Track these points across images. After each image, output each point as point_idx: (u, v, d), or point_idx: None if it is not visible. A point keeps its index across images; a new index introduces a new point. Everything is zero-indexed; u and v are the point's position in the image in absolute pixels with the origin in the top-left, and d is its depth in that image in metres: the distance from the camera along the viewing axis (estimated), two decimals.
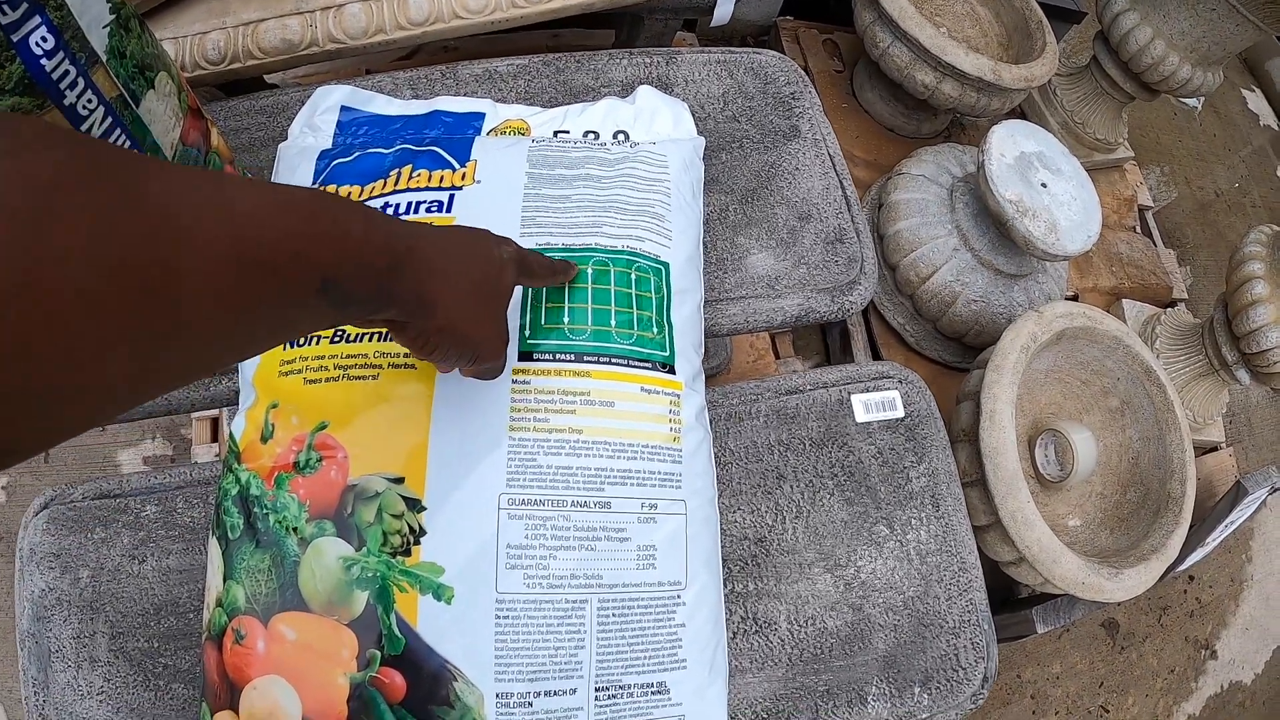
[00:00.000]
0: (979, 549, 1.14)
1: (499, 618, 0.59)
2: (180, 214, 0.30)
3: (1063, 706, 1.65)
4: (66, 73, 0.57)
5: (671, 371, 0.68)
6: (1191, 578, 1.86)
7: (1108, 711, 1.68)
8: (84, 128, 0.60)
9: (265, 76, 1.12)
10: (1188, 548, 1.37)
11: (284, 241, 0.35)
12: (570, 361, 0.65)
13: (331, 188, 0.75)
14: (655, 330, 0.69)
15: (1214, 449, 1.70)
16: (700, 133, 0.88)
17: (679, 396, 0.68)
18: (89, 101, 0.60)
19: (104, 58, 0.61)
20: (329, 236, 0.38)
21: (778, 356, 1.46)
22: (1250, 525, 1.97)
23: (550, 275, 0.63)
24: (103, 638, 0.70)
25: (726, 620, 0.73)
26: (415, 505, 0.61)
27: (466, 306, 0.50)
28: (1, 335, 0.24)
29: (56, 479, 1.44)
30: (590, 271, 0.68)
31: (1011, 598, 1.46)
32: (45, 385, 0.26)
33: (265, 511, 0.63)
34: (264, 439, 0.66)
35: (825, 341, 1.66)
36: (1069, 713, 1.65)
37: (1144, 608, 1.80)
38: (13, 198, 0.25)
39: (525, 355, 0.65)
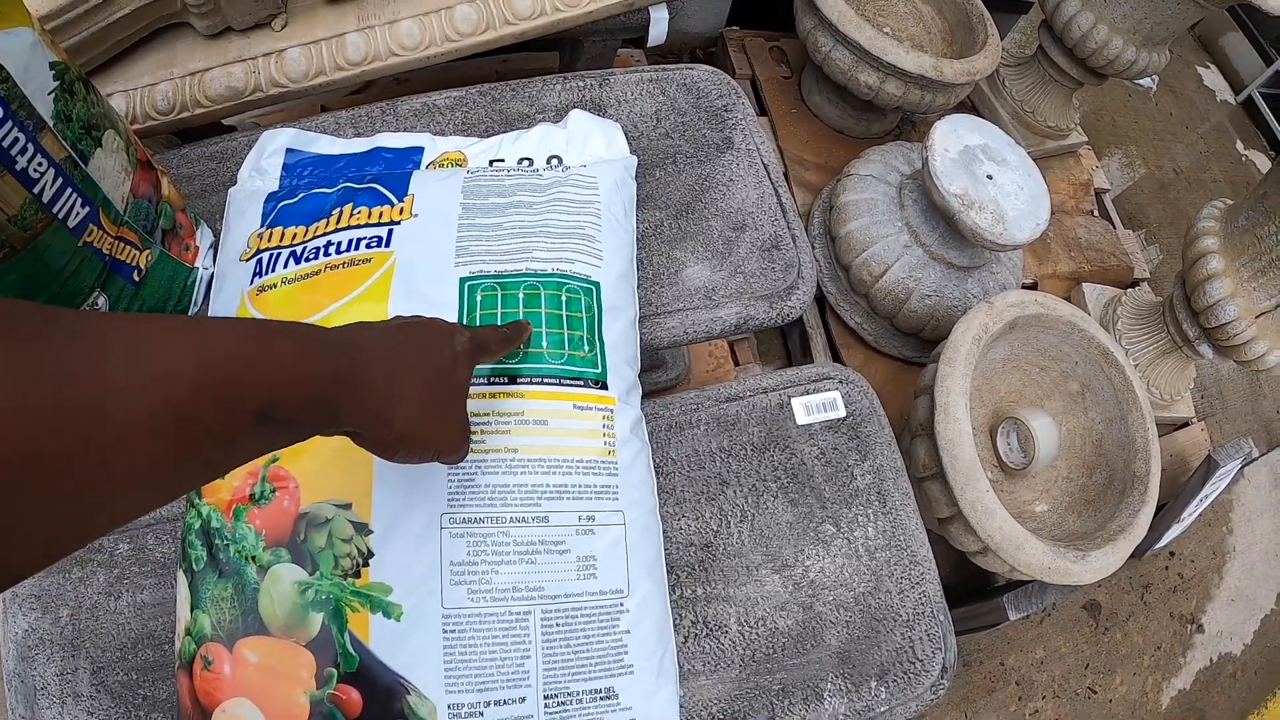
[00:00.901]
0: (946, 541, 1.17)
1: (446, 632, 0.62)
2: (100, 379, 0.30)
3: (1049, 691, 1.66)
4: (16, 140, 0.60)
5: (604, 387, 0.71)
6: (1172, 554, 1.88)
7: (1095, 692, 1.69)
8: (36, 190, 0.62)
9: (222, 119, 1.14)
10: (1163, 525, 1.39)
11: (210, 387, 0.35)
12: (504, 384, 0.68)
13: (279, 230, 0.77)
14: (586, 348, 0.71)
15: (1185, 424, 1.72)
16: (634, 151, 0.90)
17: (612, 411, 0.71)
18: (39, 165, 0.62)
19: (50, 122, 0.64)
20: (260, 369, 0.38)
21: (738, 363, 1.48)
22: (1229, 497, 1.98)
23: (506, 346, 0.64)
24: (84, 673, 0.72)
25: (676, 625, 0.75)
26: (363, 529, 0.63)
27: (422, 413, 0.51)
28: None
29: None
30: (521, 296, 0.71)
31: (986, 586, 1.48)
32: None
33: (226, 542, 0.65)
34: None
35: (786, 346, 1.68)
36: (1056, 696, 1.66)
37: (1125, 587, 1.81)
38: None
39: None
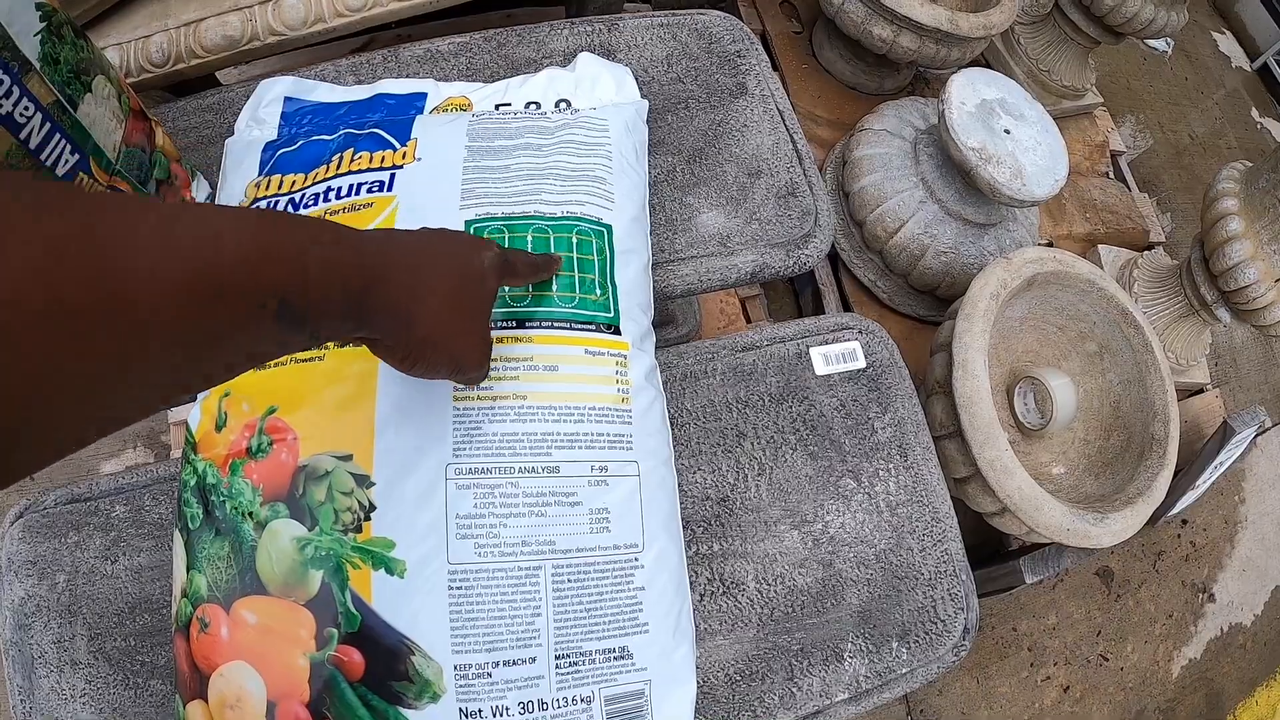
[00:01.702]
0: (962, 502, 1.15)
1: (452, 589, 0.59)
2: (125, 247, 0.30)
3: (1060, 657, 1.65)
4: (0, 82, 0.57)
5: (616, 332, 0.68)
6: (1185, 521, 1.86)
7: (1107, 660, 1.68)
8: (22, 135, 0.60)
9: (217, 75, 1.11)
10: (1178, 491, 1.37)
11: (233, 266, 0.34)
12: (512, 328, 0.65)
13: (277, 177, 0.75)
14: (598, 292, 0.68)
15: (1199, 391, 1.70)
16: (645, 96, 0.87)
17: (625, 357, 0.68)
18: (25, 109, 0.60)
19: (37, 65, 0.61)
20: (284, 258, 0.37)
21: (749, 321, 1.45)
22: (1242, 466, 1.97)
23: (534, 273, 0.63)
24: (82, 640, 0.71)
25: (692, 582, 0.72)
26: (364, 481, 0.61)
27: (446, 319, 0.49)
28: None
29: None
30: (530, 239, 0.68)
31: (1001, 550, 1.46)
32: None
33: (222, 499, 0.63)
34: (218, 428, 0.65)
35: (798, 304, 1.65)
36: (1068, 663, 1.65)
37: (1138, 554, 1.80)
38: None
39: None
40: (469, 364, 0.53)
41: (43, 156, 0.62)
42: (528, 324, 0.65)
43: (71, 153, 0.65)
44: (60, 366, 0.27)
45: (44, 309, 0.26)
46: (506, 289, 0.66)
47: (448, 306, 0.49)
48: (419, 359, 0.49)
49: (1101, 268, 1.64)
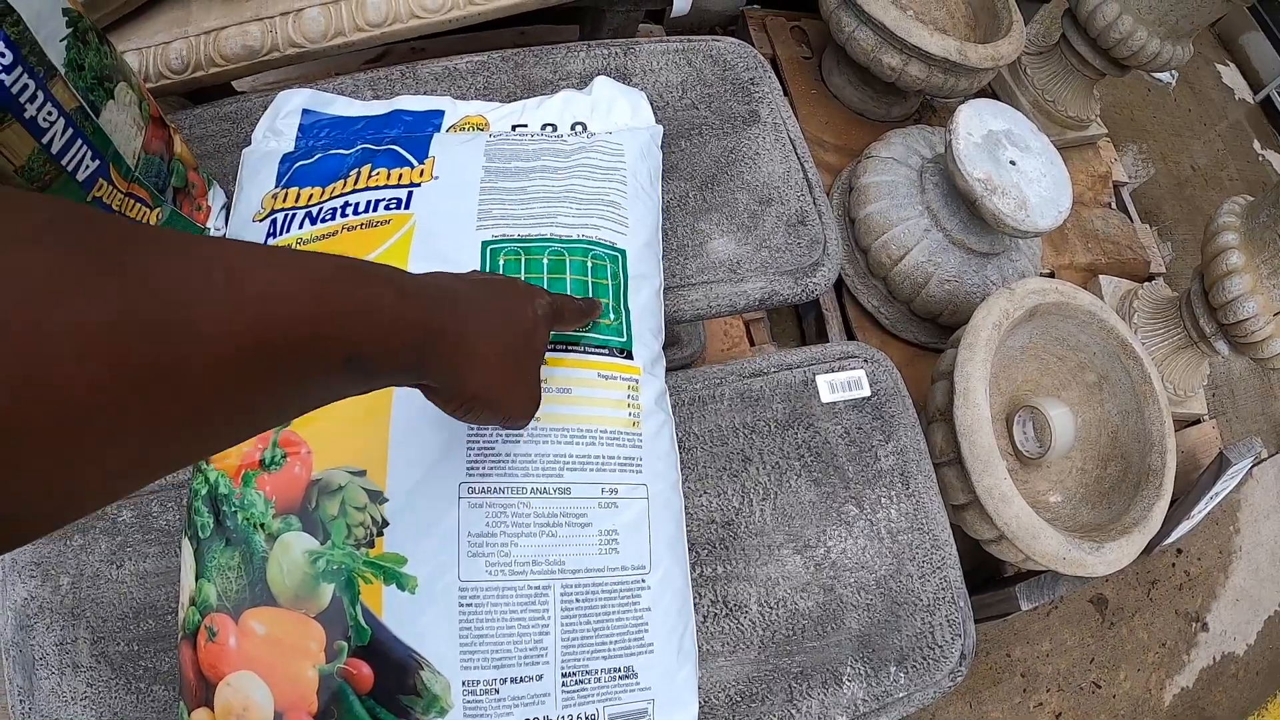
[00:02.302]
0: (960, 529, 1.16)
1: (463, 605, 0.60)
2: (188, 302, 0.29)
3: (1054, 684, 1.65)
4: (25, 87, 0.58)
5: (629, 357, 0.69)
6: (1180, 551, 1.87)
7: (1100, 687, 1.69)
8: (45, 140, 0.60)
9: (234, 84, 1.12)
10: (1173, 521, 1.38)
11: (303, 324, 0.33)
12: None
13: (294, 190, 0.75)
14: (612, 316, 0.69)
15: (1196, 421, 1.71)
16: (659, 121, 0.88)
17: (637, 381, 0.69)
18: (49, 114, 0.60)
19: (62, 70, 0.62)
20: (354, 314, 0.37)
21: (753, 343, 1.46)
22: (1237, 497, 1.97)
23: (580, 318, 0.64)
24: (84, 643, 0.71)
25: (696, 604, 0.73)
26: (377, 497, 0.61)
27: (500, 374, 0.50)
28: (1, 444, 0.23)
29: None
30: (546, 261, 0.69)
31: (997, 576, 1.47)
32: (46, 489, 0.25)
33: (233, 509, 0.63)
34: None
35: (801, 328, 1.66)
36: (1060, 690, 1.65)
37: (1132, 582, 1.80)
38: (7, 291, 0.23)
39: None
40: (518, 415, 0.54)
41: (64, 162, 0.62)
42: None
43: (92, 159, 0.65)
44: (118, 428, 0.27)
45: (106, 374, 0.25)
46: None
47: (502, 363, 0.50)
48: (470, 409, 0.50)
49: (1102, 298, 1.66)
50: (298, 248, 0.70)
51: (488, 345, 0.48)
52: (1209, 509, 1.47)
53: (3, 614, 0.72)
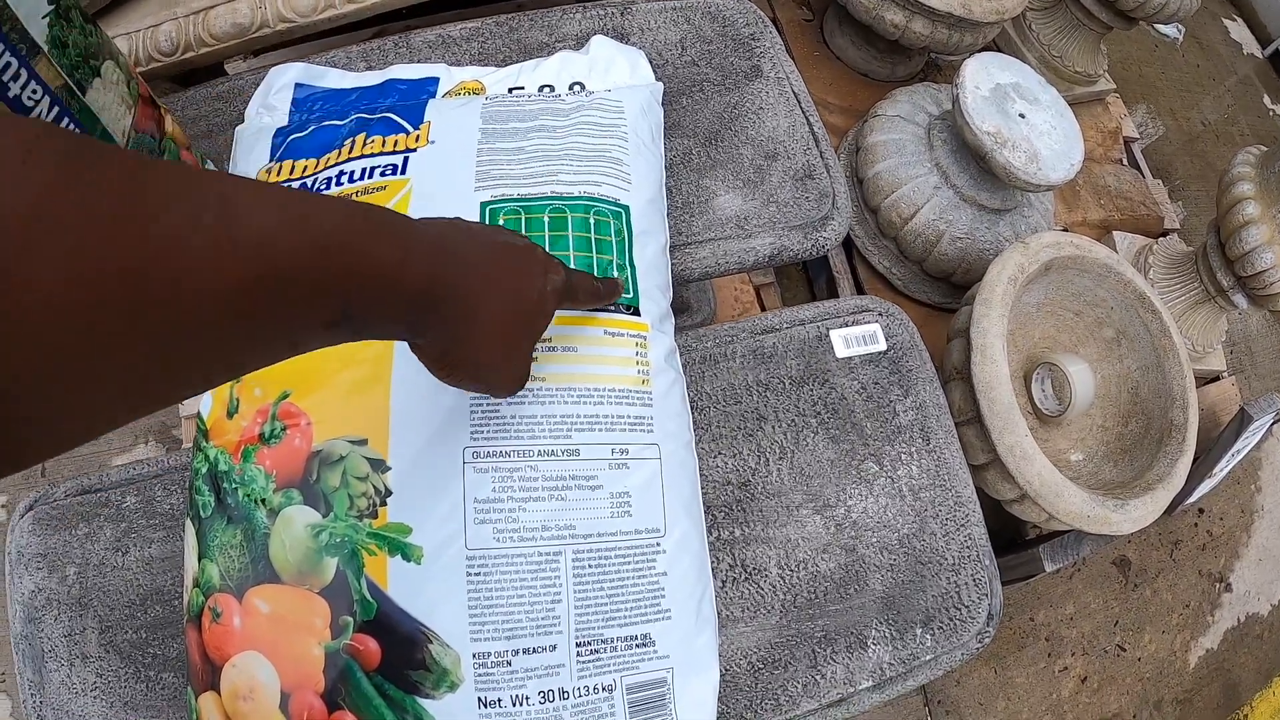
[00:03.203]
0: (980, 490, 1.14)
1: (470, 575, 0.58)
2: (185, 233, 0.28)
3: (1078, 647, 1.63)
4: (8, 65, 0.57)
5: (636, 313, 0.67)
6: (1201, 510, 1.85)
7: (1124, 650, 1.67)
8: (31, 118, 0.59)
9: (225, 66, 1.10)
10: (1195, 479, 1.36)
11: (299, 276, 0.33)
12: None
13: (289, 163, 0.74)
14: (617, 273, 0.67)
15: (1216, 378, 1.68)
16: (659, 79, 0.86)
17: (645, 338, 0.67)
18: (33, 92, 0.59)
19: (45, 48, 0.61)
20: (354, 272, 0.36)
21: (763, 308, 1.43)
22: (1258, 455, 1.95)
23: (594, 299, 0.61)
24: (93, 633, 0.70)
25: (714, 568, 0.71)
26: (380, 466, 0.59)
27: (494, 346, 0.48)
28: None
29: None
30: (547, 219, 0.67)
31: (1019, 539, 1.45)
32: (32, 412, 0.25)
33: (234, 486, 0.62)
34: (229, 414, 0.64)
35: (812, 291, 1.64)
36: (1085, 653, 1.63)
37: (1155, 543, 1.78)
38: None
39: None
40: (499, 389, 0.53)
41: None
42: None
43: (138, 151, 0.64)
44: (99, 354, 0.26)
45: (91, 297, 0.25)
46: None
47: (499, 334, 0.48)
48: (454, 371, 0.49)
49: (1117, 254, 1.63)
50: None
51: (489, 315, 0.46)
52: (1231, 467, 1.45)
53: (11, 607, 0.71)
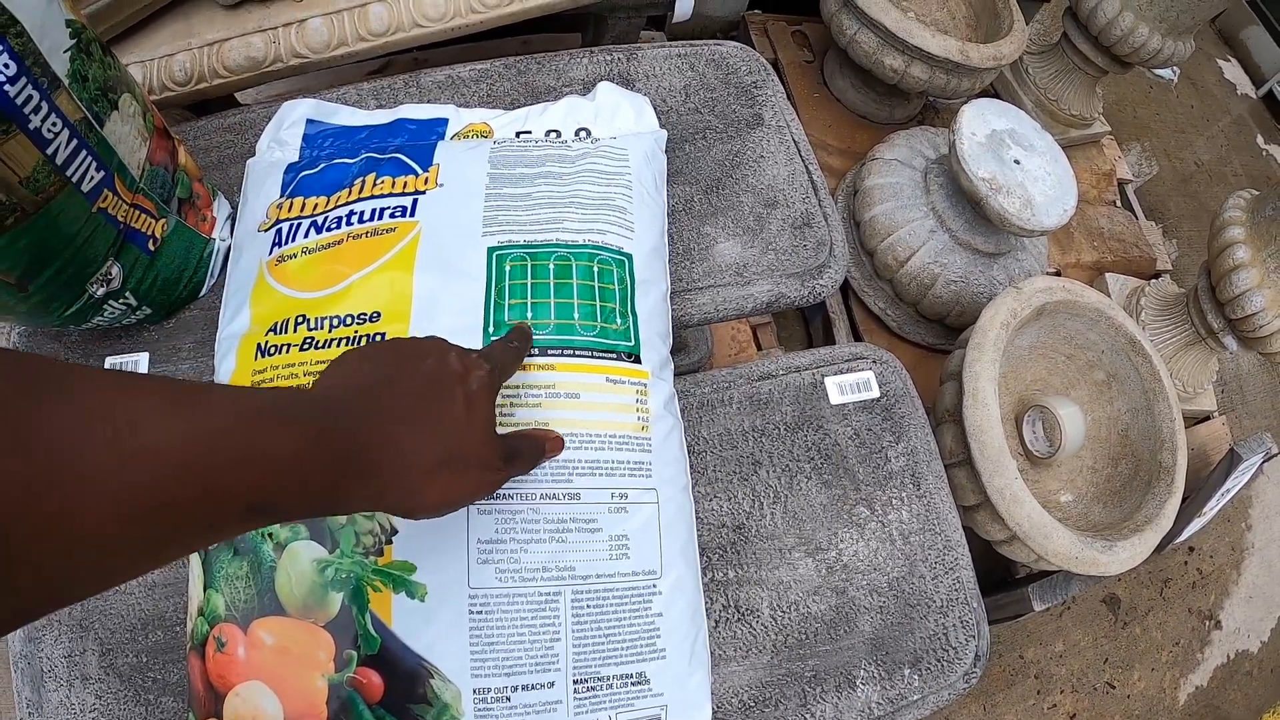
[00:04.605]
0: (971, 530, 1.15)
1: (473, 613, 0.60)
2: (75, 455, 0.28)
3: (1067, 685, 1.64)
4: (30, 98, 0.58)
5: (637, 361, 0.68)
6: (1191, 549, 1.86)
7: (1114, 687, 1.68)
8: (49, 151, 0.60)
9: (237, 96, 1.12)
10: (1185, 518, 1.37)
11: (193, 479, 0.32)
12: (535, 356, 0.65)
13: (299, 200, 0.75)
14: (619, 321, 0.69)
15: (1206, 418, 1.70)
16: (663, 125, 0.88)
17: (645, 385, 0.68)
18: (53, 125, 0.60)
19: (66, 82, 0.62)
20: (252, 464, 0.35)
21: (760, 348, 1.45)
22: (1248, 493, 1.96)
23: (519, 358, 0.60)
24: (93, 655, 0.70)
25: (707, 609, 0.72)
26: None
27: (438, 484, 0.46)
28: None
29: None
30: (552, 267, 0.68)
31: (1009, 577, 1.46)
32: None
33: None
34: None
35: (808, 332, 1.66)
36: (1074, 690, 1.64)
37: (1145, 581, 1.79)
38: None
39: None
40: (474, 498, 0.51)
41: (69, 173, 0.62)
42: (550, 351, 0.66)
43: (97, 170, 0.65)
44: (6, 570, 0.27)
45: None
46: (530, 317, 0.66)
47: (437, 472, 0.46)
48: (417, 516, 0.47)
49: (1109, 296, 1.65)
50: (301, 256, 0.70)
51: (421, 459, 0.45)
52: (1220, 506, 1.46)
53: None
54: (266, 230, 0.74)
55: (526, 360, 0.65)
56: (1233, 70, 2.74)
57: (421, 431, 0.45)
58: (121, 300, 0.73)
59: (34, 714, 0.69)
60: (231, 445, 0.34)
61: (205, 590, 0.63)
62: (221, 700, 0.60)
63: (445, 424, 0.47)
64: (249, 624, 0.61)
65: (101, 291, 0.70)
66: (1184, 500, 1.26)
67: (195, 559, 0.65)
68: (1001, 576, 1.47)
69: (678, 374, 0.78)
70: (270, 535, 0.62)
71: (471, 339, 0.65)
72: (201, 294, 0.82)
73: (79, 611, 0.71)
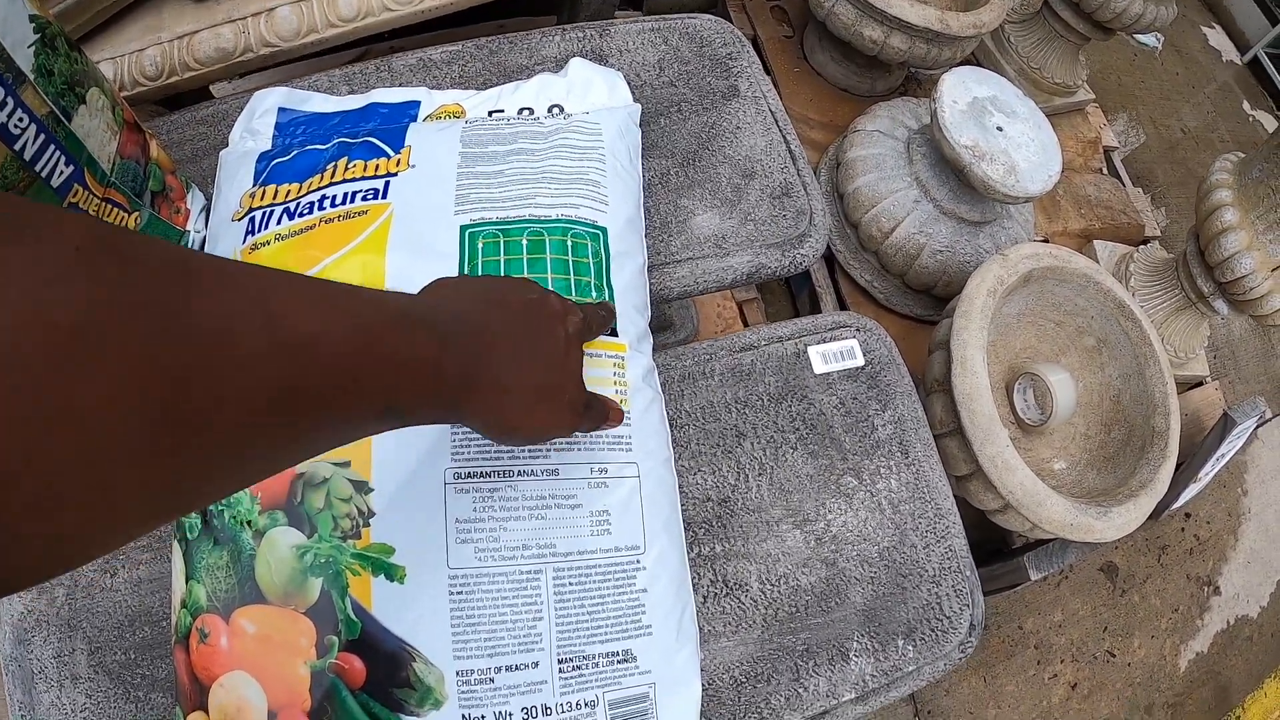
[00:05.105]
0: (964, 500, 1.15)
1: (453, 594, 0.59)
2: (229, 341, 0.29)
3: (1067, 654, 1.64)
4: None
5: (613, 334, 0.68)
6: (1188, 515, 1.86)
7: (1114, 655, 1.68)
8: (17, 146, 0.59)
9: (211, 89, 1.11)
10: (1180, 484, 1.37)
11: (344, 372, 0.34)
12: None
13: (271, 188, 0.75)
14: (594, 295, 0.68)
15: (1199, 384, 1.70)
16: (637, 100, 0.87)
17: (623, 358, 0.68)
18: (20, 120, 0.60)
19: (31, 76, 0.61)
20: (396, 365, 0.37)
21: (746, 324, 1.45)
22: (1243, 458, 1.96)
23: (605, 325, 0.64)
24: (82, 654, 0.70)
25: (695, 584, 0.72)
26: (362, 487, 0.60)
27: (537, 407, 0.50)
28: (33, 478, 0.23)
29: None
30: (525, 243, 0.68)
31: (1005, 547, 1.46)
32: (72, 530, 0.25)
33: (220, 508, 0.62)
34: None
35: (795, 307, 1.65)
36: (1074, 660, 1.64)
37: (1142, 548, 1.79)
38: (36, 340, 0.23)
39: None
40: (556, 433, 0.54)
41: (37, 168, 0.62)
42: None
43: (66, 164, 0.65)
44: (145, 463, 0.26)
45: (134, 412, 0.25)
46: None
47: (538, 395, 0.49)
48: (509, 437, 0.50)
49: (1098, 263, 1.65)
50: (275, 243, 0.70)
51: (522, 382, 0.48)
52: (1215, 471, 1.46)
53: (1, 629, 0.71)
54: (240, 219, 0.74)
55: None
56: (1217, 37, 2.74)
57: (527, 356, 0.48)
58: None
59: (27, 716, 0.69)
60: (378, 344, 0.36)
61: (187, 582, 0.63)
62: (207, 692, 0.60)
63: (548, 354, 0.50)
64: (230, 613, 0.60)
65: None
66: (1179, 466, 1.26)
67: (177, 551, 0.64)
68: (997, 546, 1.47)
69: (661, 351, 0.77)
70: (249, 523, 0.61)
71: None
72: None
73: (66, 611, 0.71)
